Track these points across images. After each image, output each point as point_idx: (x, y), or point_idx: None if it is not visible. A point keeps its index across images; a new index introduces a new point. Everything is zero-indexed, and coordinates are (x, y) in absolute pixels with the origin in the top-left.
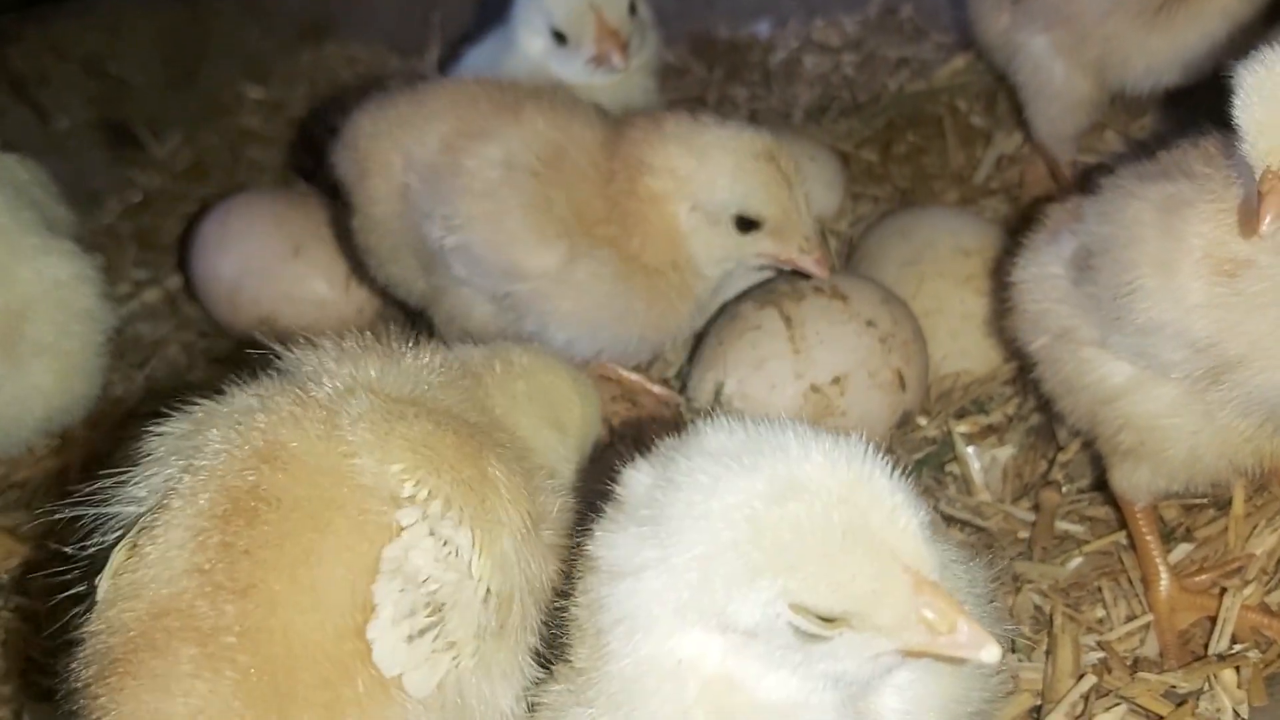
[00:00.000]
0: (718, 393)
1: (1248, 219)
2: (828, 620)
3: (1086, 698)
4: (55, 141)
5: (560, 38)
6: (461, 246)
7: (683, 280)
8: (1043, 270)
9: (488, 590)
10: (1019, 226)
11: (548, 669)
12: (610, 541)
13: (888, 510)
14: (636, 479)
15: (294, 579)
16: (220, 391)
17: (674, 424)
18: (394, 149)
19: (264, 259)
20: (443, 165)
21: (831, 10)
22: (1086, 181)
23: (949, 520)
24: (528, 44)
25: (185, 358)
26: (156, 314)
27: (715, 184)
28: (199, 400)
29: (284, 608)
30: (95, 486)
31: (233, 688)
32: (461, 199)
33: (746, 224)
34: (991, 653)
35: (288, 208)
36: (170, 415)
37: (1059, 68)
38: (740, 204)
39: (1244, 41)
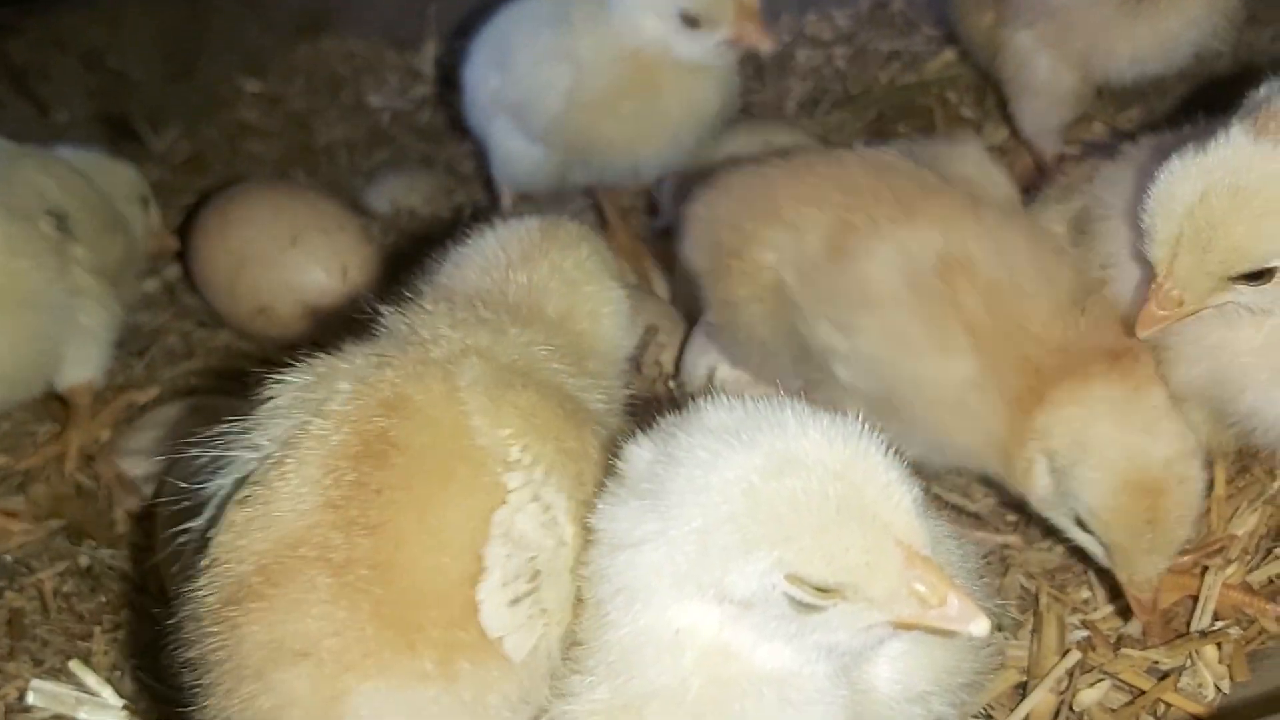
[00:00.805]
0: (711, 377)
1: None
2: (822, 591)
3: (1071, 674)
4: (55, 135)
5: (691, 20)
6: (853, 354)
7: None
8: (1047, 226)
9: (575, 560)
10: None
11: None
12: (611, 514)
13: (881, 486)
14: (637, 455)
15: (421, 520)
16: (334, 349)
17: (674, 403)
18: (765, 247)
19: (262, 248)
20: (829, 265)
21: (823, 4)
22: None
23: (939, 504)
24: (637, 24)
25: (184, 346)
26: (156, 304)
27: None
28: (320, 355)
29: (412, 546)
30: (218, 430)
31: (368, 616)
32: (855, 306)
33: None
34: (980, 626)
35: (286, 198)
36: (292, 367)
37: (1043, 61)
38: None
39: (1227, 26)
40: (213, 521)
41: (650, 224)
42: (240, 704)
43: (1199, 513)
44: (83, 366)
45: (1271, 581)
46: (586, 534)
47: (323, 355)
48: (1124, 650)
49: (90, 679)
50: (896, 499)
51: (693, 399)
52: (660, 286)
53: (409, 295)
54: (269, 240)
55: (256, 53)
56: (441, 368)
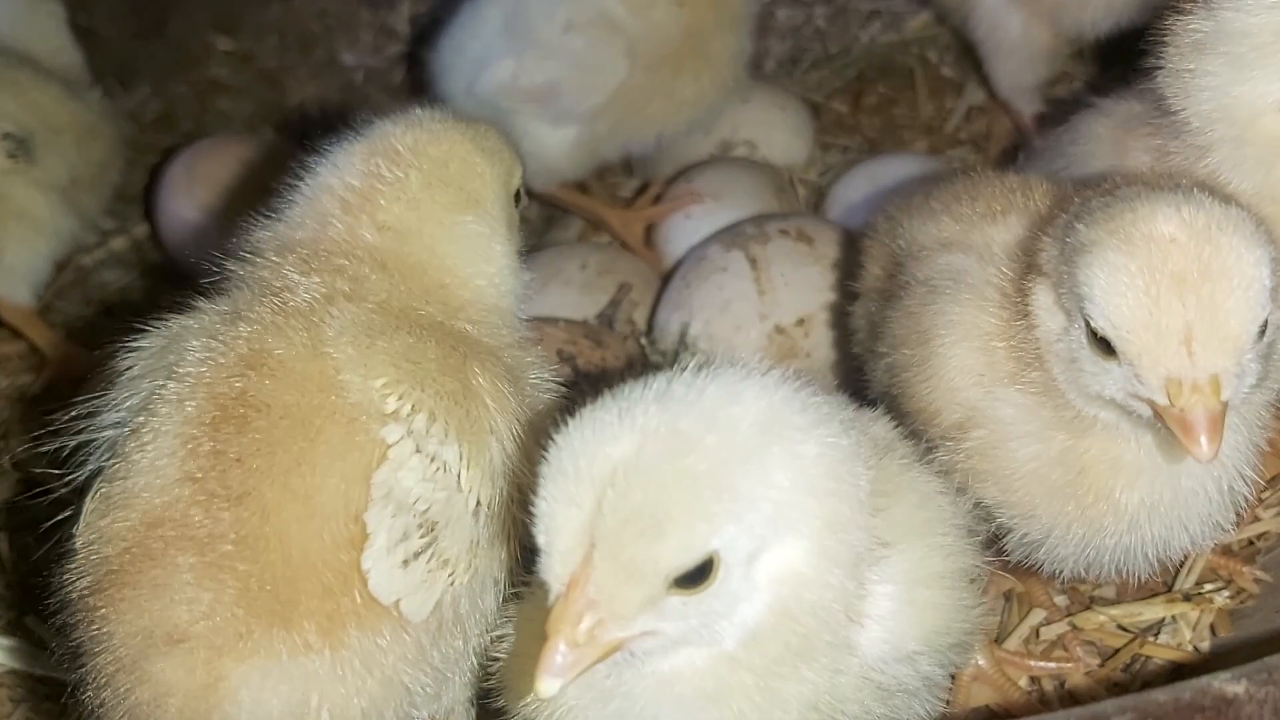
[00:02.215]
0: (683, 333)
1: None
2: None
3: (1036, 630)
4: None
5: None
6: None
7: None
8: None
9: (478, 502)
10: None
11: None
12: None
13: None
14: None
15: (287, 486)
16: (187, 307)
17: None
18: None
19: (229, 203)
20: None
21: None
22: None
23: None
24: None
25: (150, 305)
26: (123, 262)
27: None
28: (167, 318)
29: (279, 516)
30: (72, 414)
31: (235, 596)
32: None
33: None
34: None
35: (254, 153)
36: (139, 333)
37: (1016, 20)
38: None
39: None
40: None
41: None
42: (118, 696)
43: None
44: (14, 287)
45: (1251, 543)
46: (485, 474)
47: (172, 316)
48: (1095, 607)
49: (47, 634)
50: None
51: (664, 357)
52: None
53: (253, 246)
54: (235, 195)
55: (228, 9)
56: (304, 317)
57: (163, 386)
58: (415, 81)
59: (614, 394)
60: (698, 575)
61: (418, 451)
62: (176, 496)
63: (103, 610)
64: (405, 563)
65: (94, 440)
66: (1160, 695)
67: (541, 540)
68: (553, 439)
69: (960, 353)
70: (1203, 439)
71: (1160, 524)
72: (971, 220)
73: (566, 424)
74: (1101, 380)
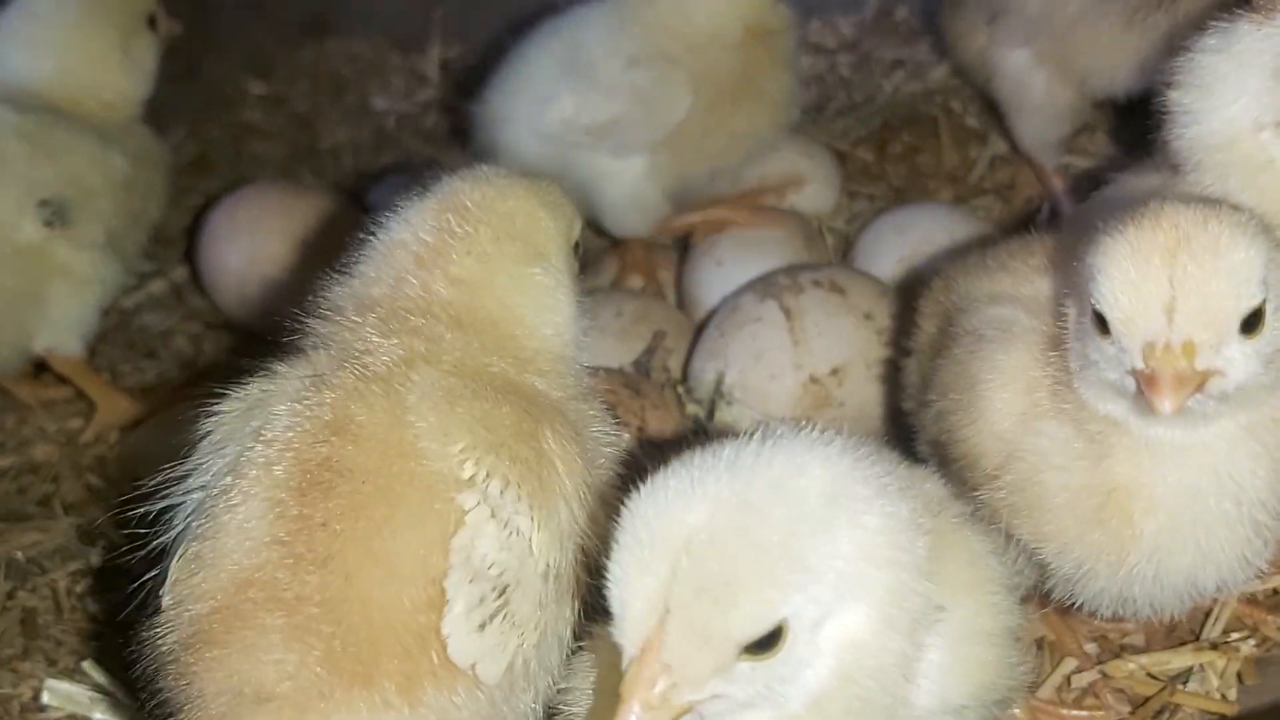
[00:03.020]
0: (719, 383)
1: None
2: None
3: (1068, 679)
4: None
5: None
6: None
7: None
8: None
9: (547, 565)
10: (1011, 225)
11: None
12: None
13: None
14: None
15: (369, 551)
16: (268, 371)
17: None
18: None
19: (271, 251)
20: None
21: (828, 11)
22: (1077, 184)
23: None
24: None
25: (192, 349)
26: (163, 305)
27: None
28: (250, 382)
29: (362, 579)
30: (160, 480)
31: (319, 657)
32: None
33: None
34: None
35: (295, 200)
36: (220, 397)
37: (1039, 80)
38: None
39: None
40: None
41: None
42: None
43: None
44: (63, 339)
45: (1277, 592)
46: (554, 538)
47: (253, 380)
48: (1125, 655)
49: (103, 679)
50: None
51: (700, 405)
52: (670, 292)
53: (331, 305)
54: (278, 243)
55: (261, 53)
56: (385, 383)
57: (250, 449)
58: (446, 126)
59: (683, 461)
60: (767, 642)
61: (493, 517)
62: (265, 559)
63: (193, 667)
64: (481, 626)
65: (179, 504)
66: None
67: (616, 605)
68: (625, 505)
69: (1005, 396)
70: (1164, 392)
71: (1183, 553)
72: (1023, 274)
73: (638, 491)
74: (1102, 362)
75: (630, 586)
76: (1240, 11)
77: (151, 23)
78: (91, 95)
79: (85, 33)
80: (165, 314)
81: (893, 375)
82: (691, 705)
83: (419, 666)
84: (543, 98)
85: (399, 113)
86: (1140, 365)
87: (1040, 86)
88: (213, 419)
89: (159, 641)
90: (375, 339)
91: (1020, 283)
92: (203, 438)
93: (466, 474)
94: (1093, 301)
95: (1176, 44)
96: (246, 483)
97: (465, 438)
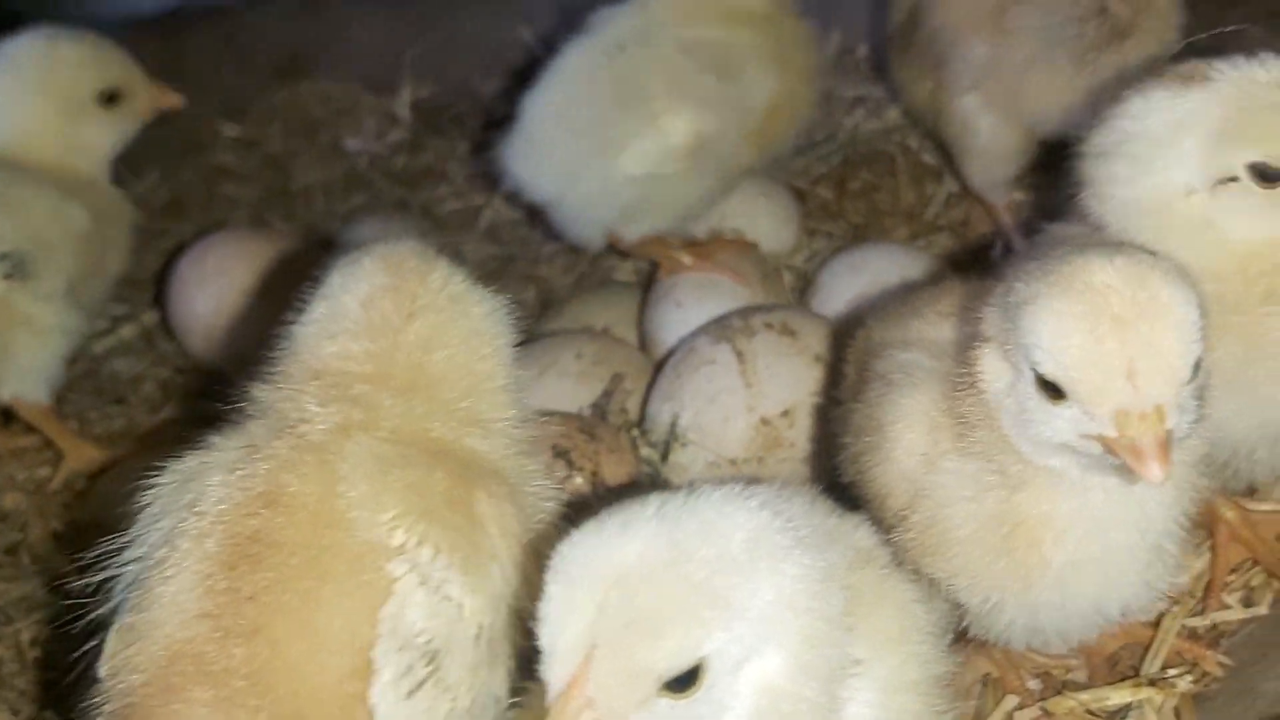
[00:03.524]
0: (673, 425)
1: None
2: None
3: (1010, 716)
4: None
5: None
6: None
7: None
8: None
9: (479, 628)
10: (965, 261)
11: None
12: None
13: None
14: None
15: (297, 622)
16: (204, 440)
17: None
18: None
19: (240, 297)
20: None
21: None
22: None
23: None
24: None
25: (161, 394)
26: (134, 350)
27: None
28: (188, 453)
29: (289, 650)
30: (100, 550)
31: None
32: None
33: None
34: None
35: (264, 245)
36: (160, 469)
37: (986, 123)
38: None
39: None
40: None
41: None
42: None
43: None
44: (28, 387)
45: (1215, 627)
46: (487, 601)
47: (191, 451)
48: (1067, 691)
49: None
50: None
51: (654, 447)
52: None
53: (274, 369)
54: (246, 289)
55: (234, 96)
56: (318, 452)
57: (184, 521)
58: (418, 167)
59: (615, 510)
60: (687, 679)
61: (422, 584)
62: (195, 632)
63: None
64: (410, 694)
65: (118, 575)
66: None
67: (544, 642)
68: (557, 547)
69: (910, 437)
70: (1153, 462)
71: (1090, 582)
72: (932, 319)
73: (570, 534)
74: (1052, 425)
75: (558, 624)
76: (1159, 78)
77: (110, 99)
78: (50, 156)
79: (31, 108)
80: (135, 360)
81: (826, 423)
82: None
83: None
84: (613, 139)
85: (371, 153)
86: (1114, 434)
87: (987, 129)
88: (151, 490)
89: (97, 712)
90: (313, 408)
91: (927, 327)
92: (141, 509)
93: (396, 542)
94: (1037, 369)
95: (1125, 83)
96: (179, 555)
97: (396, 505)
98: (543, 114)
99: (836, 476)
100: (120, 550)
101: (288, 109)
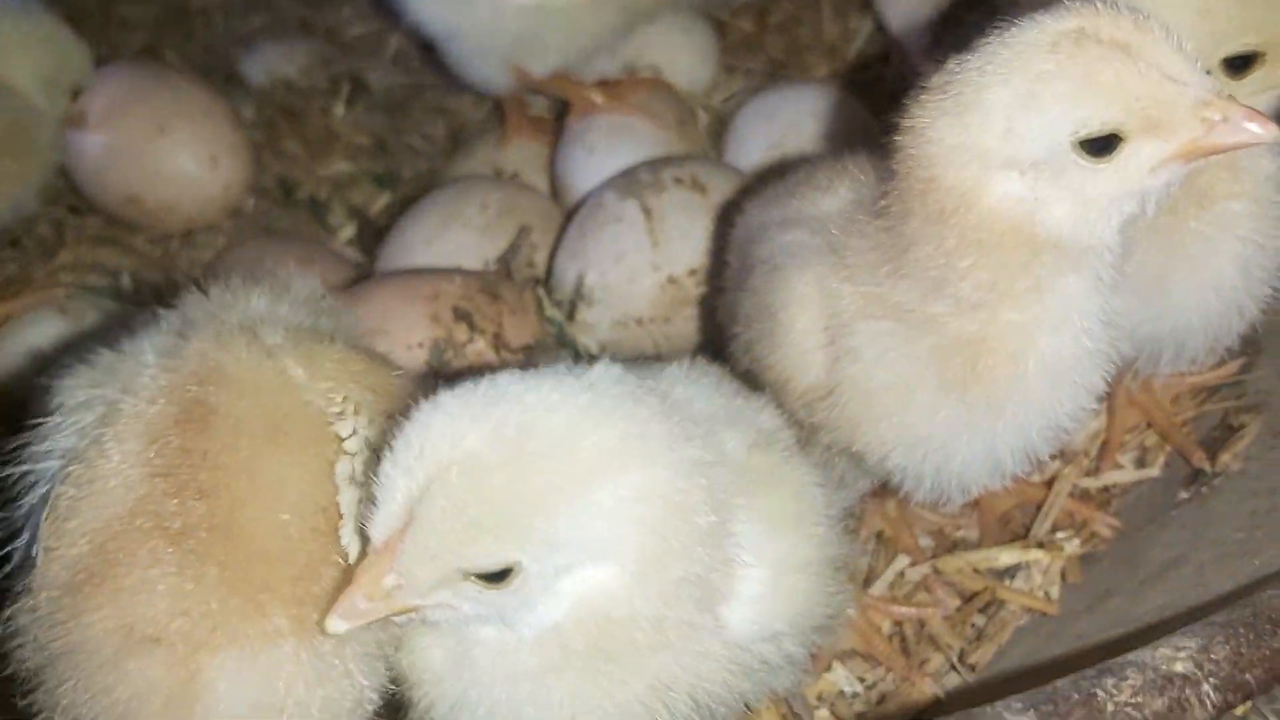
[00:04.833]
0: (579, 284)
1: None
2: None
3: (902, 574)
4: None
5: None
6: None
7: None
8: None
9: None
10: (886, 106)
11: None
12: None
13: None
14: None
15: (255, 481)
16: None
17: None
18: None
19: (129, 137)
20: None
21: None
22: None
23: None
24: None
25: (55, 234)
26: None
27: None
28: (100, 351)
29: (249, 507)
30: (15, 445)
31: (214, 582)
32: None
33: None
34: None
35: (154, 84)
36: (70, 369)
37: None
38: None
39: None
40: (34, 538)
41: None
42: (94, 696)
43: None
44: None
45: (1107, 489)
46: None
47: (101, 350)
48: (958, 551)
49: None
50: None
51: (561, 306)
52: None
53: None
54: (136, 129)
55: None
56: (246, 332)
57: (118, 403)
58: None
59: (483, 382)
60: (496, 575)
61: (366, 445)
62: (149, 491)
63: (79, 607)
64: None
65: (31, 473)
66: None
67: (376, 496)
68: (410, 412)
69: (804, 318)
70: (1268, 121)
71: (1050, 390)
72: (809, 196)
73: (426, 402)
74: (1109, 184)
75: (390, 487)
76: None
77: None
78: None
79: None
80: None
81: (710, 316)
82: (415, 608)
83: (309, 592)
84: None
85: None
86: (1200, 131)
87: None
88: (65, 389)
89: (31, 605)
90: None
91: (806, 205)
92: (55, 408)
93: (337, 407)
94: (1081, 134)
95: None
96: (119, 428)
97: (333, 374)
98: None
99: (730, 366)
100: (33, 447)
101: None
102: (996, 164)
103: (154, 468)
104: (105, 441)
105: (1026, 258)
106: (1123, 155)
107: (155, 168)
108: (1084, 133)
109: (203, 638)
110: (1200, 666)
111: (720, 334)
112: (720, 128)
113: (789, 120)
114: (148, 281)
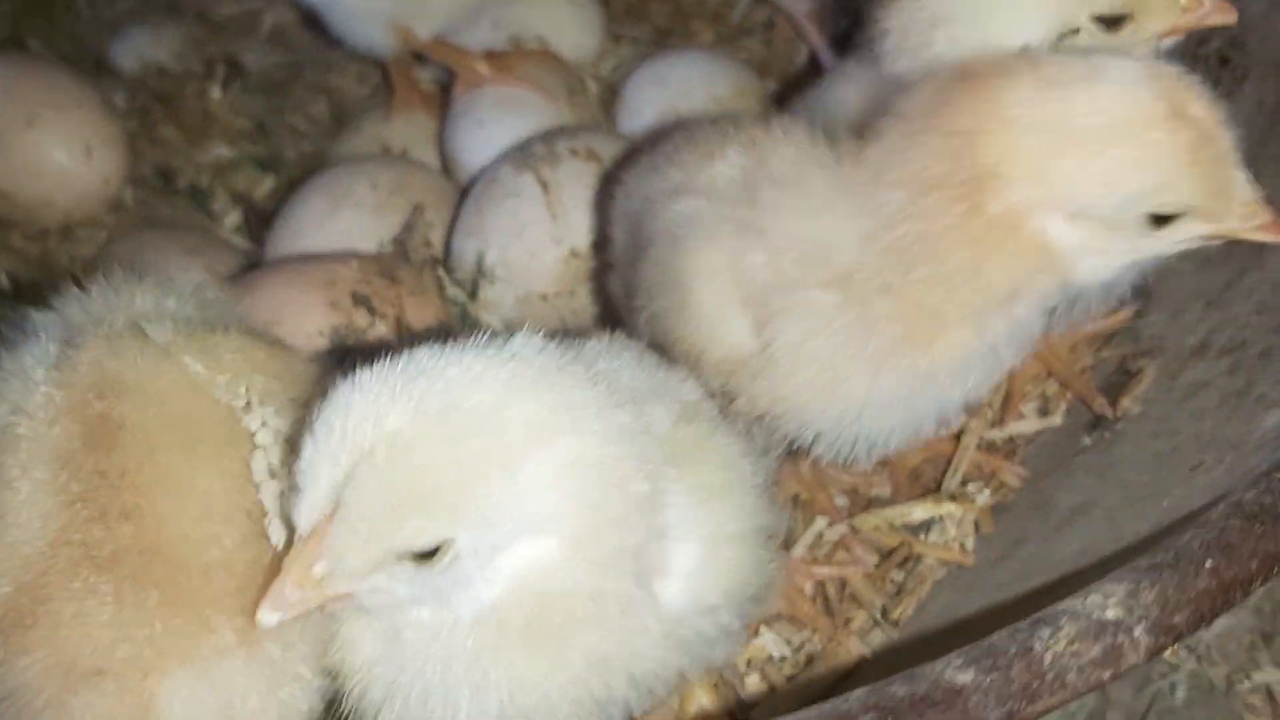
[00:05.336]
0: (480, 262)
1: None
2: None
3: (820, 535)
4: None
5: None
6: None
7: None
8: None
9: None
10: (775, 72)
11: None
12: None
13: None
14: None
15: (177, 494)
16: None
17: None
18: None
19: None
20: None
21: None
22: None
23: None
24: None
25: None
26: None
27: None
28: None
29: (175, 524)
30: None
31: (156, 605)
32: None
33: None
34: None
35: (19, 75)
36: None
37: None
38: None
39: None
40: None
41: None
42: None
43: None
44: None
45: (1012, 439)
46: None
47: None
48: (873, 508)
49: None
50: None
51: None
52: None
53: None
54: (3, 122)
55: None
56: (136, 333)
57: (12, 426)
58: None
59: (393, 361)
60: (430, 555)
61: (275, 437)
62: (70, 518)
63: (11, 654)
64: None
65: None
66: (899, 689)
67: (299, 482)
68: (330, 392)
69: (714, 287)
70: None
71: (973, 375)
72: (690, 163)
73: (344, 383)
74: (1150, 248)
75: (314, 471)
76: None
77: None
78: None
79: None
80: None
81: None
82: (347, 593)
83: (252, 601)
84: None
85: None
86: (1238, 224)
87: None
88: None
89: None
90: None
91: (694, 173)
92: None
93: (241, 400)
94: (1148, 210)
95: None
96: (21, 456)
97: (233, 366)
98: None
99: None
100: None
101: None
102: (1060, 209)
103: (71, 494)
104: (9, 472)
105: (1027, 277)
106: (1178, 227)
107: (25, 162)
108: (1163, 210)
109: (151, 662)
110: (1130, 611)
111: (614, 307)
112: (610, 97)
113: (678, 87)
114: (25, 280)
